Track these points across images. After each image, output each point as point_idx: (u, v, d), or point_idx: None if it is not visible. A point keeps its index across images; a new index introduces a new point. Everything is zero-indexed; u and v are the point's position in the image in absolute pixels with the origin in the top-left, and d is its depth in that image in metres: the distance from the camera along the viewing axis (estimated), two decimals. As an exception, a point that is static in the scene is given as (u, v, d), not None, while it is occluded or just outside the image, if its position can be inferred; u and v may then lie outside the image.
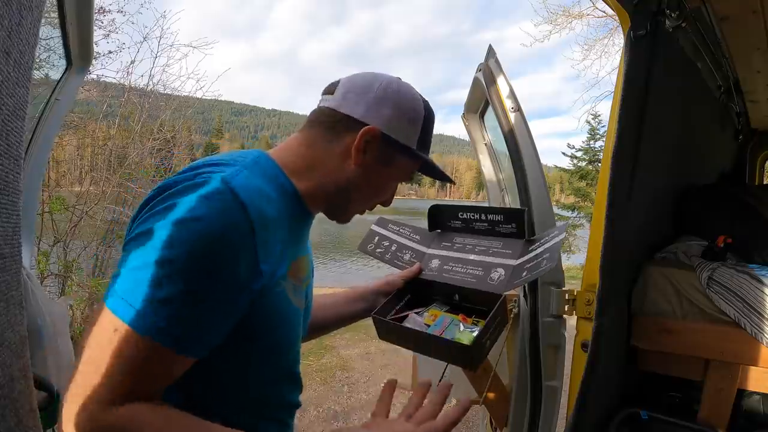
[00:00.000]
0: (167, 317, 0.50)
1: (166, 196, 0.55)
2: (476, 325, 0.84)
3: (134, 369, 0.51)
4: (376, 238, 1.12)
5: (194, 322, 0.52)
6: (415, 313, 0.91)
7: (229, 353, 0.60)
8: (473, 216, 0.99)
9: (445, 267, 0.96)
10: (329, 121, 0.71)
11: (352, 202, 0.75)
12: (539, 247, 0.87)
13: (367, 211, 0.80)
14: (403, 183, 0.81)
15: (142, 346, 0.50)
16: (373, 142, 0.70)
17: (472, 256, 0.95)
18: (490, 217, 0.97)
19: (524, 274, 0.84)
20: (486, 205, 2.10)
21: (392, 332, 0.86)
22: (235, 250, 0.54)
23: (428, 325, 0.87)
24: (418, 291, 0.97)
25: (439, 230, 1.08)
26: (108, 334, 0.50)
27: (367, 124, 0.69)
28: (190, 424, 0.54)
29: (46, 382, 0.96)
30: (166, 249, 0.50)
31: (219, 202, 0.54)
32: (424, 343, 0.83)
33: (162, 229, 0.51)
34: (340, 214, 0.77)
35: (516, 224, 0.94)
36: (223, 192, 0.55)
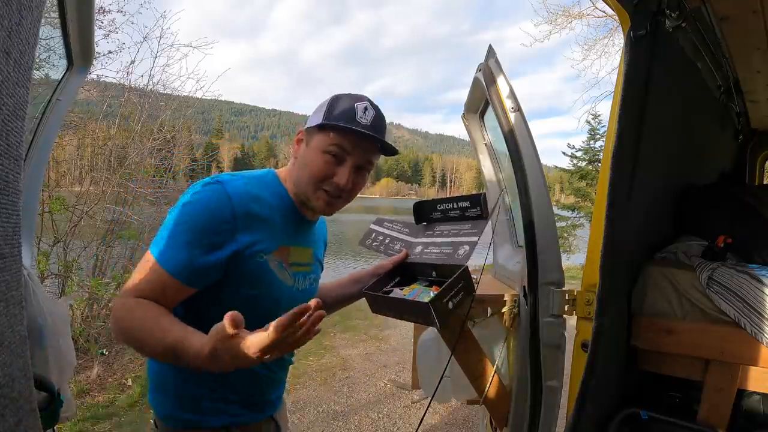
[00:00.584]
0: (172, 254, 0.81)
1: (191, 188, 0.87)
2: None
3: (148, 280, 0.82)
4: (373, 234, 1.29)
5: (186, 257, 0.81)
6: (399, 288, 1.09)
7: (216, 297, 0.86)
8: (448, 206, 1.16)
9: (425, 251, 1.13)
10: None
11: (304, 185, 0.93)
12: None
13: (331, 192, 0.92)
14: (342, 152, 0.91)
15: (156, 268, 0.81)
16: (301, 137, 0.96)
17: (446, 239, 1.10)
18: (460, 204, 1.13)
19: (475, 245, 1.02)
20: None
21: (378, 303, 1.05)
22: (215, 221, 0.82)
23: (405, 295, 1.04)
24: (406, 273, 1.14)
25: (425, 223, 1.23)
26: (144, 260, 0.84)
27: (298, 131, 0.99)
28: (162, 313, 0.80)
29: (46, 382, 0.96)
30: (175, 217, 0.83)
31: (210, 192, 0.84)
32: (400, 308, 1.00)
33: (179, 205, 0.84)
34: (306, 200, 0.94)
35: (479, 207, 1.09)
36: (215, 188, 0.85)
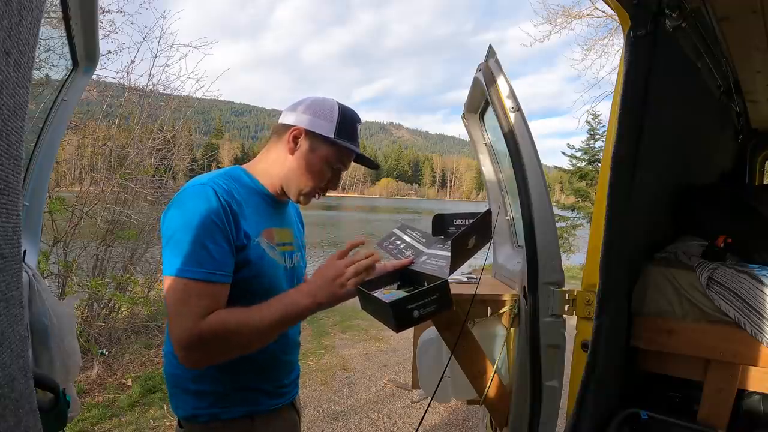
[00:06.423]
0: (199, 264, 0.85)
1: (176, 202, 0.91)
2: None
3: (198, 297, 0.84)
4: (393, 237, 1.32)
5: (213, 259, 0.86)
6: (385, 289, 1.13)
7: (234, 282, 0.92)
8: (462, 222, 1.19)
9: (427, 261, 1.15)
10: (277, 131, 1.05)
11: (298, 183, 1.02)
12: None
13: (320, 194, 1.06)
14: (344, 168, 1.06)
15: (194, 285, 0.85)
16: (300, 136, 1.01)
17: (446, 253, 1.10)
18: (469, 222, 1.14)
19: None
20: (486, 205, 2.12)
21: (362, 299, 1.08)
22: (217, 216, 0.88)
23: (385, 295, 1.06)
24: (407, 279, 1.18)
25: (442, 236, 1.24)
26: (175, 286, 0.84)
27: (295, 127, 1.02)
28: (242, 312, 0.87)
29: (51, 383, 0.94)
30: (179, 231, 0.87)
31: (198, 194, 0.89)
32: (373, 305, 1.03)
33: (178, 223, 0.88)
34: (294, 194, 1.04)
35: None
36: (198, 189, 0.90)
